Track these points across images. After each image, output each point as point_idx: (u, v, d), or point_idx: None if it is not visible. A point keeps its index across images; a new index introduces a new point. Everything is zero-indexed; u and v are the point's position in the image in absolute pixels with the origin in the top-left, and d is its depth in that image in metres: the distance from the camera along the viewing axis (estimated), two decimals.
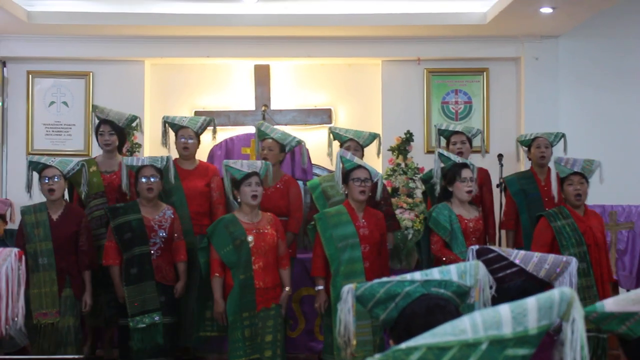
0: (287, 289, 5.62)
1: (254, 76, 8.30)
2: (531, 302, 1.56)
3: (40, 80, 8.22)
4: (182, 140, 6.35)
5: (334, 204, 6.02)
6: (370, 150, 6.76)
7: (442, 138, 6.77)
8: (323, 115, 8.25)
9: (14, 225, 6.71)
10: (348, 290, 2.20)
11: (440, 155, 5.80)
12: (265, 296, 5.47)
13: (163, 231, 5.72)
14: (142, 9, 7.52)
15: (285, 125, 8.11)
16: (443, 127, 6.78)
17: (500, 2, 7.14)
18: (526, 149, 6.74)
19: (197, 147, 6.46)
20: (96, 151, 6.86)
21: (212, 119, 6.65)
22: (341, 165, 5.67)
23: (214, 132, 6.72)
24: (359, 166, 5.59)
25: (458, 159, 5.74)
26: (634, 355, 2.38)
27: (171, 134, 6.54)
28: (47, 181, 5.62)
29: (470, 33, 7.87)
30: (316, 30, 7.76)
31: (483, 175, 6.54)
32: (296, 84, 8.42)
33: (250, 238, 5.46)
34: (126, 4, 7.50)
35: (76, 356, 3.96)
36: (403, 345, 1.56)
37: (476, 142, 6.86)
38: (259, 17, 7.59)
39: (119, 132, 6.36)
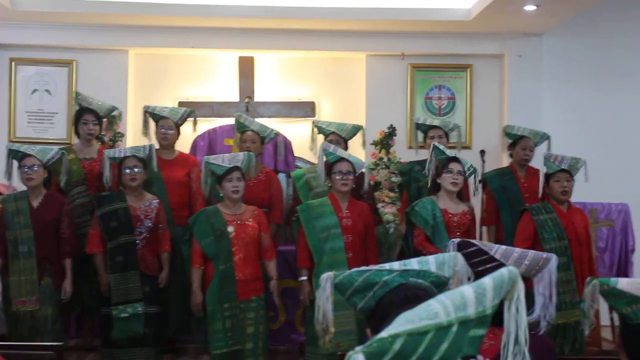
0: (274, 279, 5.63)
1: (238, 68, 8.28)
2: (488, 282, 1.55)
3: (23, 67, 8.15)
4: (162, 130, 6.41)
5: (317, 194, 6.05)
6: (355, 142, 6.77)
7: (419, 132, 6.80)
8: (307, 108, 8.25)
9: None
10: (327, 278, 2.22)
11: (435, 148, 5.81)
12: (245, 288, 5.46)
13: (149, 221, 5.73)
14: None
15: (269, 117, 8.09)
16: (420, 121, 6.81)
17: None
18: (510, 141, 6.74)
19: (177, 138, 6.51)
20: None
21: (192, 110, 6.68)
22: (324, 159, 5.70)
23: (195, 123, 6.73)
24: (342, 159, 5.61)
25: (452, 153, 5.75)
26: (630, 339, 2.44)
27: (152, 124, 6.55)
28: (26, 170, 5.62)
29: (454, 29, 7.89)
30: (301, 23, 7.74)
31: None
32: (280, 76, 8.41)
33: (230, 229, 5.47)
34: None
35: (55, 343, 3.95)
36: (384, 334, 1.54)
37: (454, 137, 6.88)
38: (244, 9, 7.56)
39: (100, 121, 6.39)
